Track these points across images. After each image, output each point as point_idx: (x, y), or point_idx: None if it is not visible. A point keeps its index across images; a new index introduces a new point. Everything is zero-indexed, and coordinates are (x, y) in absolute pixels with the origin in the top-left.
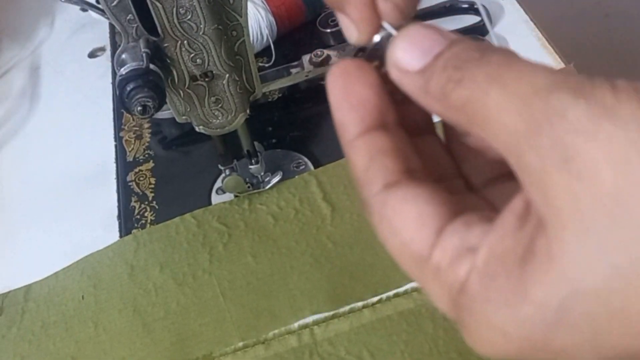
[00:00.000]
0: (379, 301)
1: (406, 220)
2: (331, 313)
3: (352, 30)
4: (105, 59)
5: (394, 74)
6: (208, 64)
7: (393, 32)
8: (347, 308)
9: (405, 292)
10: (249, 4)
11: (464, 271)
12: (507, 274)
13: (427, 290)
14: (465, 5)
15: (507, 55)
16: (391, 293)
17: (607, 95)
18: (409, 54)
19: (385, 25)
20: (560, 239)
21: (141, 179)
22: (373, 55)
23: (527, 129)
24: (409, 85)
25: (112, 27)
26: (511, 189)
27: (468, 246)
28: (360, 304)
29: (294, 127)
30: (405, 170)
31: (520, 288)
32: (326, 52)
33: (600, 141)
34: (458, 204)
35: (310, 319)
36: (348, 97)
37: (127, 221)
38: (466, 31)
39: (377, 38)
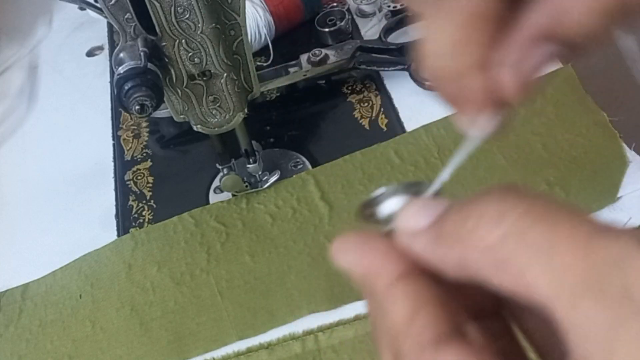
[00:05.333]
0: None
1: None
2: (336, 320)
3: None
4: (103, 58)
5: (404, 240)
6: (206, 63)
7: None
8: (352, 315)
9: None
10: (247, 3)
11: None
12: None
13: None
14: None
15: (543, 197)
16: None
17: None
18: (417, 217)
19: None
20: None
21: (139, 178)
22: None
23: (588, 276)
24: (419, 245)
25: (110, 25)
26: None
27: None
28: (366, 311)
29: (291, 126)
30: (457, 327)
31: None
32: (324, 51)
33: None
34: None
35: (314, 325)
36: (371, 248)
37: (125, 220)
38: None
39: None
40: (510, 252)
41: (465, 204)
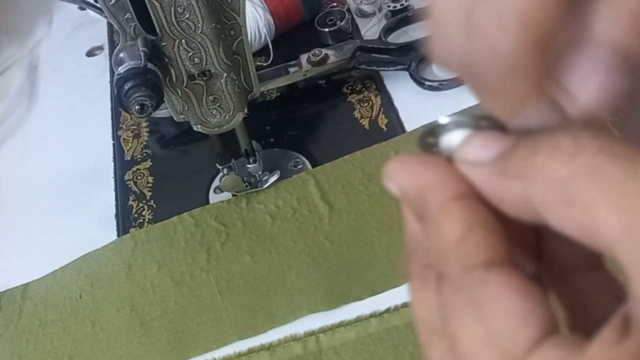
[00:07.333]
0: (387, 311)
1: (506, 311)
2: (337, 321)
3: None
4: (103, 58)
5: (463, 168)
6: (206, 63)
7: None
8: (353, 316)
9: None
10: (247, 3)
11: None
12: None
13: None
14: None
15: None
16: (399, 303)
17: None
18: (482, 148)
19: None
20: None
21: (139, 177)
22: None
23: None
24: (480, 176)
25: (110, 25)
26: (599, 281)
27: None
28: (367, 312)
29: (291, 126)
30: (508, 255)
31: None
32: (324, 51)
33: None
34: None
35: (316, 326)
36: (429, 168)
37: (125, 220)
38: None
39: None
40: (581, 188)
41: (536, 138)
